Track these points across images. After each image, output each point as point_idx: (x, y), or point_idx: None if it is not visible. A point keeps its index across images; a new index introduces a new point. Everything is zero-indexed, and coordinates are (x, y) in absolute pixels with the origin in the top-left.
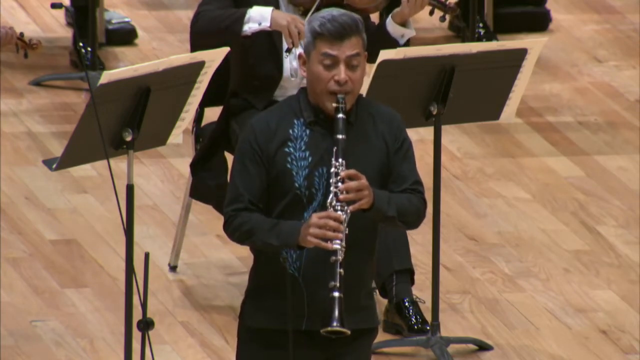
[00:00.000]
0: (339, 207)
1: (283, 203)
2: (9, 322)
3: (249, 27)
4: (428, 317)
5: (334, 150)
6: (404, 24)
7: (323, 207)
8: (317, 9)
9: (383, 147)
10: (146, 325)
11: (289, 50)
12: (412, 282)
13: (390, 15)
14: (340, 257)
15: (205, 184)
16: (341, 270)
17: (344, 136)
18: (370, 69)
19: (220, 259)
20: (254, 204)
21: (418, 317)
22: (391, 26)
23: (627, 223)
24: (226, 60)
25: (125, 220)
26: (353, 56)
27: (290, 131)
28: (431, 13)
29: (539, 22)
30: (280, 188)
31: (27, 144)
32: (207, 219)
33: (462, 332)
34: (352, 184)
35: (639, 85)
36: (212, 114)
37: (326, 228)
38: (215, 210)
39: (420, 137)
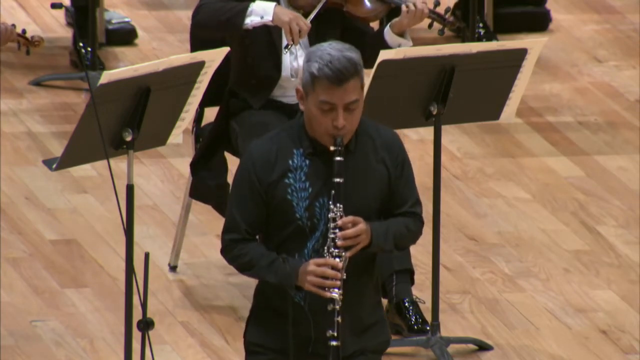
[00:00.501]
0: (336, 253)
1: (285, 233)
2: (9, 322)
3: (251, 21)
4: (428, 317)
5: (332, 194)
6: (401, 34)
7: (325, 237)
8: (317, 15)
9: (384, 172)
10: (146, 325)
11: (287, 47)
12: (412, 282)
13: (389, 25)
14: (337, 306)
15: (205, 184)
16: (339, 319)
17: (341, 180)
18: (370, 70)
19: (221, 259)
20: (251, 234)
21: (418, 317)
22: (389, 36)
23: (627, 223)
24: (226, 60)
25: (125, 220)
26: (351, 103)
27: (290, 162)
28: (430, 26)
29: (539, 22)
30: (281, 219)
31: (27, 144)
32: (207, 219)
33: (462, 332)
34: (350, 231)
35: (639, 85)
36: (212, 114)
37: (324, 277)
38: (215, 211)
39: (420, 137)
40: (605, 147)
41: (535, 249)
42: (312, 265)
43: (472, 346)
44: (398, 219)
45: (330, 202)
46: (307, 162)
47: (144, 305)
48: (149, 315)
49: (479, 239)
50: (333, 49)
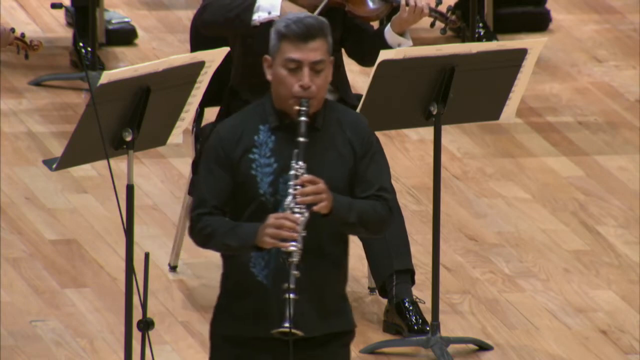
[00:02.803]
0: (297, 210)
1: (249, 210)
2: (9, 322)
3: (259, 17)
4: (428, 317)
5: (295, 152)
6: (402, 33)
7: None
8: (321, 12)
9: (350, 153)
10: (146, 325)
11: None
12: (413, 282)
13: (389, 23)
14: (295, 259)
15: None
16: (296, 272)
17: (306, 139)
18: (370, 69)
19: (221, 259)
20: (218, 208)
21: (418, 317)
22: (389, 35)
23: (627, 223)
24: (226, 60)
25: (125, 220)
26: (317, 62)
27: (255, 137)
28: (432, 25)
29: (539, 22)
30: (246, 194)
31: (27, 144)
32: None
33: (462, 332)
34: (310, 187)
35: (639, 85)
36: (212, 114)
37: (282, 229)
38: None
39: (420, 137)
40: (605, 147)
41: (535, 249)
42: (271, 218)
43: (472, 346)
44: (364, 199)
45: (293, 161)
46: (273, 137)
47: (144, 305)
48: (149, 315)
49: (479, 239)
50: (301, 13)
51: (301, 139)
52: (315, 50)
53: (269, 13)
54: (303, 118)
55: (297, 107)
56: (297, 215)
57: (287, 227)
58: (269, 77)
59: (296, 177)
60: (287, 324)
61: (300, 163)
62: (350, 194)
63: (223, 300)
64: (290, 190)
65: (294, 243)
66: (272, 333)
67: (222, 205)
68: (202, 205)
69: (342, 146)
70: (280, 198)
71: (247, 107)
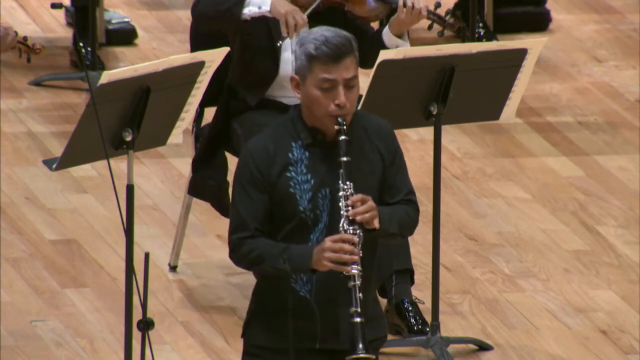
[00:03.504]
0: (351, 231)
1: (288, 227)
2: (9, 322)
3: (249, 11)
4: (428, 317)
5: (340, 172)
6: (400, 35)
7: (329, 228)
8: (316, 12)
9: (379, 161)
10: (146, 325)
11: (282, 39)
12: (412, 282)
13: (387, 25)
14: (358, 282)
15: (206, 183)
16: (360, 295)
17: (348, 158)
18: (370, 69)
19: (221, 259)
20: (259, 230)
21: (418, 318)
22: (387, 36)
23: (627, 223)
24: (226, 60)
25: (125, 220)
26: (350, 79)
27: (290, 155)
28: (430, 28)
29: (539, 22)
30: (285, 212)
31: (27, 144)
32: (208, 219)
33: (462, 332)
34: (363, 207)
35: (639, 85)
36: (212, 114)
37: (342, 252)
38: (215, 210)
39: (420, 137)
40: (605, 147)
41: (535, 249)
42: (328, 242)
43: (472, 346)
44: (397, 205)
45: (340, 182)
46: (307, 154)
47: (144, 305)
48: (149, 315)
49: (479, 239)
50: (325, 30)
51: (344, 159)
52: (348, 68)
53: (259, 8)
54: (342, 137)
55: (336, 127)
56: (354, 237)
57: (347, 250)
58: (297, 96)
59: (346, 197)
60: (360, 350)
61: (348, 183)
62: (379, 200)
63: (261, 313)
64: (342, 212)
65: (354, 266)
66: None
67: (262, 227)
68: (242, 228)
69: (371, 155)
70: (319, 213)
71: (275, 124)
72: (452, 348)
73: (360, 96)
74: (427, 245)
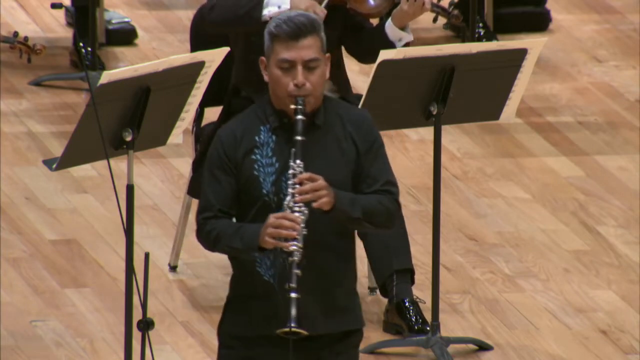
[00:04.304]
0: (296, 209)
1: (253, 210)
2: (9, 322)
3: (269, 11)
4: (428, 317)
5: (292, 151)
6: (403, 28)
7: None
8: (328, 4)
9: (352, 149)
10: (146, 325)
11: None
12: (412, 282)
13: (390, 17)
14: (296, 258)
15: None
16: (298, 272)
17: (303, 138)
18: (370, 69)
19: (221, 259)
20: (224, 212)
21: (418, 317)
22: (390, 29)
23: (627, 223)
24: (226, 60)
25: (125, 220)
26: (310, 60)
27: (257, 138)
28: (435, 20)
29: (539, 22)
30: (250, 195)
31: (27, 144)
32: None
33: (462, 332)
34: (308, 185)
35: (639, 85)
36: (212, 114)
37: (281, 228)
38: None
39: (420, 137)
40: (605, 147)
41: (535, 249)
42: (271, 218)
43: (472, 346)
44: (370, 195)
45: (291, 160)
46: (274, 137)
47: (144, 305)
48: (149, 315)
49: (479, 239)
50: (292, 12)
51: (298, 138)
52: (308, 48)
53: (279, 7)
54: (299, 117)
55: (293, 106)
56: (297, 214)
57: (286, 226)
58: (265, 78)
59: (294, 175)
60: (291, 324)
61: (298, 162)
62: (355, 190)
63: (232, 300)
64: (289, 189)
65: (294, 242)
66: (276, 333)
67: (227, 209)
68: (207, 209)
69: (344, 141)
70: (283, 197)
71: (247, 109)
72: (452, 348)
73: (360, 96)
74: (427, 245)
